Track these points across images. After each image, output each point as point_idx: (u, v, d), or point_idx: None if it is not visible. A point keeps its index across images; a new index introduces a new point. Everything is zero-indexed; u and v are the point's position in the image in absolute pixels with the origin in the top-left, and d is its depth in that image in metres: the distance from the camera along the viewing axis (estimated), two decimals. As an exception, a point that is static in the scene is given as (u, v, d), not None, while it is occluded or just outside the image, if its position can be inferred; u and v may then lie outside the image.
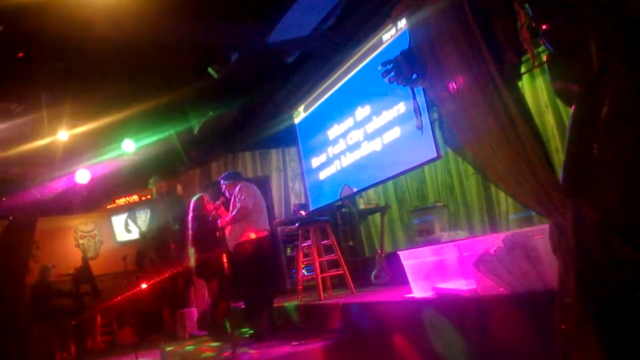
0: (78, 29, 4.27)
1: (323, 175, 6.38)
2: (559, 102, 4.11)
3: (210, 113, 6.23)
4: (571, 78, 1.49)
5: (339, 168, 6.01)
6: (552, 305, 1.69)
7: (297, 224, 5.33)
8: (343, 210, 6.45)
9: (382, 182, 5.48)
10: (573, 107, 1.41)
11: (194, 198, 5.36)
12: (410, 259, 3.50)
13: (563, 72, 1.56)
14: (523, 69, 2.42)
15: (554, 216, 1.85)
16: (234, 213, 4.64)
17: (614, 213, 1.22)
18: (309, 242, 5.07)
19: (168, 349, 5.41)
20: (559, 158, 3.87)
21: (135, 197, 8.97)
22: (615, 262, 1.22)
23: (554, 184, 1.93)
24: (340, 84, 5.90)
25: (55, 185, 6.13)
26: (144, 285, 8.00)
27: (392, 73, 2.66)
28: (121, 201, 9.10)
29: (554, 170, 1.98)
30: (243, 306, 4.89)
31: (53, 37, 4.39)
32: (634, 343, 1.21)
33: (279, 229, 7.36)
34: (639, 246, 1.17)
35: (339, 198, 5.84)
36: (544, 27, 1.55)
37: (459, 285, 2.94)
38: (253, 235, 4.57)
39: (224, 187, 5.00)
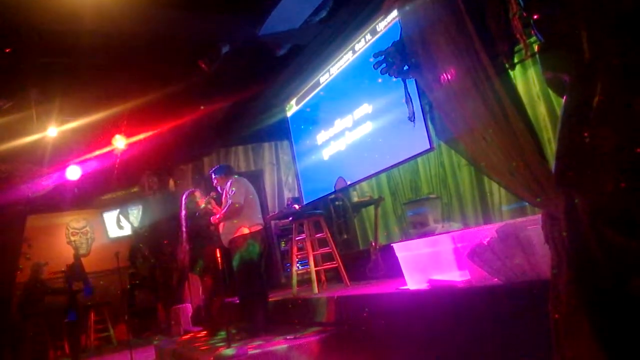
0: (66, 23, 4.22)
1: (316, 168, 6.37)
2: (551, 93, 4.12)
3: (202, 107, 6.19)
4: (563, 68, 1.48)
5: (332, 161, 5.99)
6: (546, 295, 1.70)
7: (290, 218, 5.32)
8: (337, 203, 6.44)
9: (376, 174, 5.47)
10: (565, 97, 1.40)
11: (185, 193, 5.33)
12: (404, 251, 3.51)
13: (554, 62, 1.55)
14: (515, 60, 2.42)
15: (546, 206, 1.86)
16: (225, 209, 4.61)
17: (606, 202, 1.22)
18: (303, 236, 5.07)
19: (162, 345, 5.40)
20: (551, 148, 3.88)
21: (126, 193, 8.91)
22: (608, 251, 1.22)
23: (547, 174, 1.94)
24: (332, 76, 5.87)
25: (46, 182, 6.07)
26: (137, 282, 7.98)
27: (384, 64, 2.65)
28: (113, 197, 9.03)
29: (546, 161, 1.99)
30: (238, 301, 4.88)
31: (41, 32, 4.33)
32: (627, 332, 1.21)
33: (272, 223, 7.35)
34: (632, 235, 1.17)
35: (333, 190, 5.83)
36: (535, 16, 1.54)
37: (453, 276, 2.95)
38: (246, 230, 4.55)
39: (215, 181, 4.96)
